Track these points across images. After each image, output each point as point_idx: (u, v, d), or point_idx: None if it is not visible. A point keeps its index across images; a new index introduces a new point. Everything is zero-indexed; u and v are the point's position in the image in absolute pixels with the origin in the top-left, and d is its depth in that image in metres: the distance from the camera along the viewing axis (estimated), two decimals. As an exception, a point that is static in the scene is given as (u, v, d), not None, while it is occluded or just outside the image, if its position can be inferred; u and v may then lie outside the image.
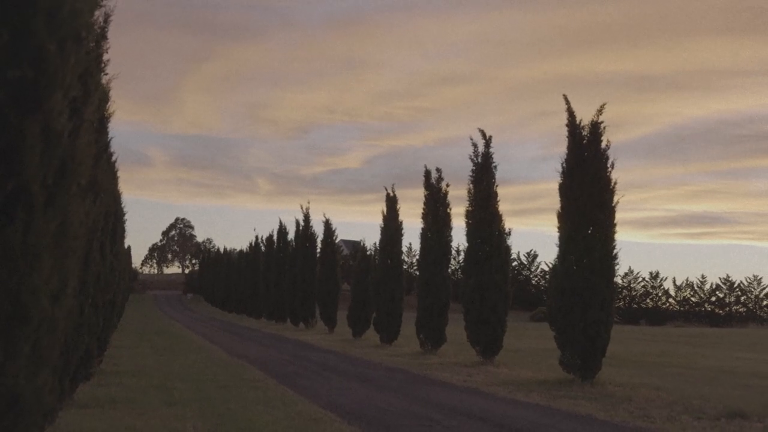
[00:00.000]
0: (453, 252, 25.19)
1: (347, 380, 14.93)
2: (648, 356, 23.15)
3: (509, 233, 19.28)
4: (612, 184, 14.58)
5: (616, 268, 14.65)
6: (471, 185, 19.39)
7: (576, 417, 10.63)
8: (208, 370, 15.78)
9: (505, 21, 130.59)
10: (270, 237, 48.95)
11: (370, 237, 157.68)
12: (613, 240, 14.55)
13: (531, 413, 10.90)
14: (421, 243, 22.62)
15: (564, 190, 14.86)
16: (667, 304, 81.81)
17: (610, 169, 14.62)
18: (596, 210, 14.45)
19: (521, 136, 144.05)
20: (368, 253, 31.32)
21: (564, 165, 14.96)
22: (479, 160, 19.38)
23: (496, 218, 19.01)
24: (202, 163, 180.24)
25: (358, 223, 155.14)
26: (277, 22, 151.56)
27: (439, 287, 21.92)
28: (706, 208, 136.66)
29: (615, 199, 14.58)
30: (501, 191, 19.36)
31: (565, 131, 15.02)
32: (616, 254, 14.53)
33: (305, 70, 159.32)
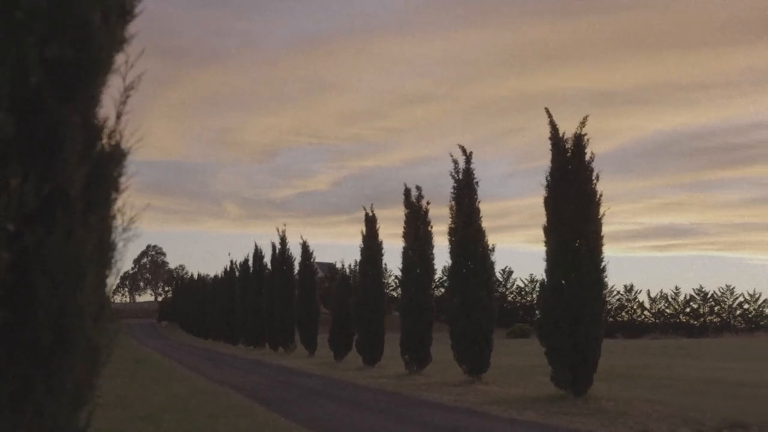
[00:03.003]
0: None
1: (337, 404, 14.59)
2: (632, 369, 22.99)
3: (493, 249, 19.15)
4: (597, 196, 14.50)
5: (605, 281, 14.52)
6: (453, 202, 19.20)
7: (577, 433, 10.42)
8: (192, 398, 15.32)
9: (468, 40, 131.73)
10: (245, 261, 48.31)
11: (345, 258, 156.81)
12: (600, 252, 14.41)
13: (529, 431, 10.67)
14: (403, 262, 22.36)
15: (549, 203, 14.74)
16: (643, 316, 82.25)
17: (595, 181, 14.55)
18: (583, 223, 14.32)
19: (489, 154, 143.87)
20: (346, 274, 31.04)
21: (548, 178, 14.85)
22: (460, 176, 19.22)
23: (480, 234, 18.84)
24: (171, 189, 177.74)
25: (330, 245, 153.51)
26: (240, 45, 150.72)
27: (422, 306, 21.69)
28: (672, 220, 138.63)
29: (601, 211, 14.50)
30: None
31: (541, 146, 15.13)
32: (604, 267, 14.40)
33: (270, 92, 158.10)
